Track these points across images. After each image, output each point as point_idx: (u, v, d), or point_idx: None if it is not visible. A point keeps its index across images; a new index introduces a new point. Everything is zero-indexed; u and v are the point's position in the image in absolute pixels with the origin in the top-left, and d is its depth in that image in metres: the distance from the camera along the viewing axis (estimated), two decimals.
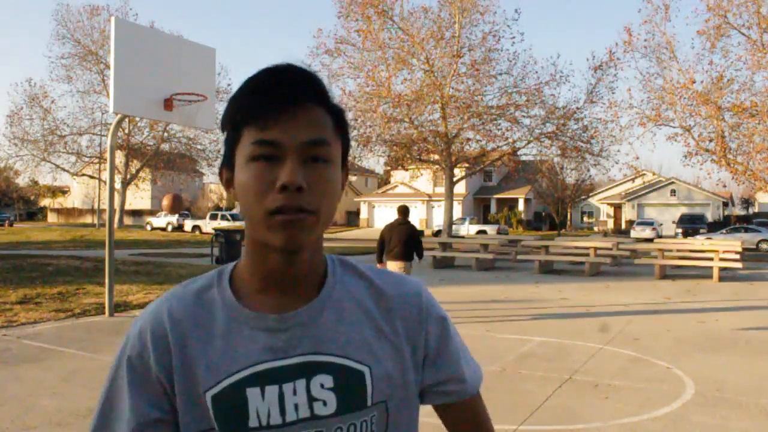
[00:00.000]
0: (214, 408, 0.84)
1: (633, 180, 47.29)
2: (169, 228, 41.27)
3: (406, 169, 33.45)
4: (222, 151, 0.92)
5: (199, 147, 42.69)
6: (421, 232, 8.79)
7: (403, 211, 8.55)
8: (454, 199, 31.64)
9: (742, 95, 23.59)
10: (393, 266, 8.31)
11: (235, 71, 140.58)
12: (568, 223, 53.16)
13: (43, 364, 6.05)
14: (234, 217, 38.28)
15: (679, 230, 35.95)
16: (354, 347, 0.88)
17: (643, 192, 50.18)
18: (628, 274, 16.62)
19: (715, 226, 38.85)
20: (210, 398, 0.84)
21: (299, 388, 0.85)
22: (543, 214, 52.75)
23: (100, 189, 43.94)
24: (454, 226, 34.50)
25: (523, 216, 50.63)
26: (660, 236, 35.44)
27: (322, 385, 0.85)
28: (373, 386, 0.87)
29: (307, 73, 0.85)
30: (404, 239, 8.18)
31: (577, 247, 19.13)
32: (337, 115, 0.88)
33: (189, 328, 0.87)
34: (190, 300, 0.90)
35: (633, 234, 38.05)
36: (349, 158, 0.95)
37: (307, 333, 0.87)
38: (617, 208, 53.59)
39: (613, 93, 40.13)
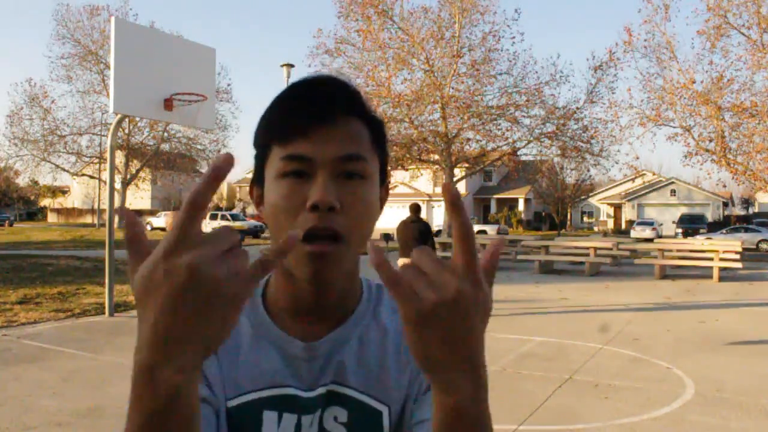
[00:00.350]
0: (227, 420, 0.80)
1: (633, 180, 47.25)
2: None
3: (406, 169, 33.41)
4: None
5: (199, 147, 42.61)
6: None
7: (415, 209, 8.63)
8: None
9: (742, 95, 23.57)
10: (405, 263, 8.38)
11: (235, 71, 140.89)
12: (568, 223, 53.19)
13: (43, 364, 6.05)
14: (234, 217, 38.29)
15: (679, 230, 35.96)
16: (375, 383, 0.83)
17: (643, 192, 50.20)
18: (628, 274, 16.62)
19: (715, 226, 38.84)
20: (226, 410, 0.80)
21: (314, 419, 0.81)
22: (543, 214, 52.77)
23: (100, 189, 43.97)
24: None
25: (523, 216, 50.64)
26: (660, 236, 35.45)
27: (335, 418, 0.81)
28: (390, 427, 0.82)
29: (340, 82, 0.80)
30: (416, 237, 8.23)
31: (577, 247, 19.13)
32: (374, 127, 0.81)
33: None
34: None
35: (633, 234, 38.09)
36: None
37: (330, 362, 0.82)
38: (617, 208, 53.62)
39: (613, 93, 40.06)
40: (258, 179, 0.83)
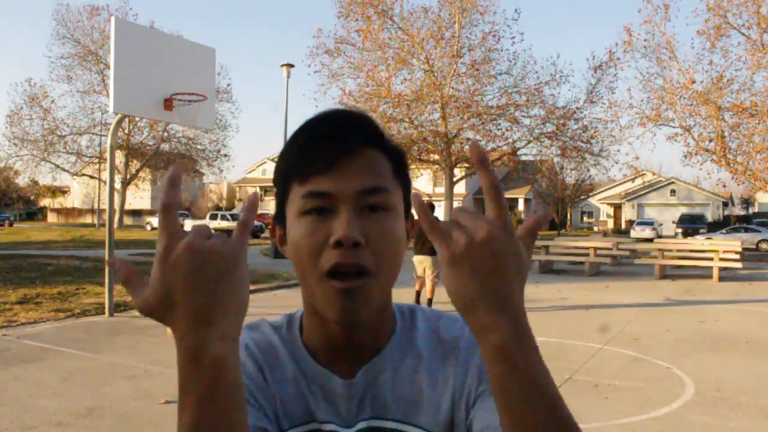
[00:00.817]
0: None
1: (633, 180, 47.25)
2: None
3: None
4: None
5: (199, 147, 42.69)
6: None
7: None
8: (454, 199, 31.65)
9: (742, 95, 23.61)
10: (420, 260, 8.90)
11: (235, 71, 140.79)
12: (568, 223, 53.21)
13: (43, 364, 6.06)
14: (234, 218, 38.28)
15: (679, 230, 35.95)
16: (417, 410, 0.81)
17: (643, 192, 50.19)
18: (628, 274, 16.62)
19: (715, 226, 38.84)
20: None
21: None
22: None
23: (100, 189, 43.94)
24: None
25: (523, 216, 50.63)
26: (660, 236, 35.42)
27: None
28: None
29: (356, 114, 0.79)
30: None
31: (577, 247, 19.11)
32: (395, 157, 0.80)
33: (269, 360, 0.83)
34: (267, 335, 0.86)
35: (633, 234, 38.07)
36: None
37: (367, 397, 0.81)
38: (617, 208, 53.61)
39: (613, 93, 40.10)
40: (279, 218, 0.82)
